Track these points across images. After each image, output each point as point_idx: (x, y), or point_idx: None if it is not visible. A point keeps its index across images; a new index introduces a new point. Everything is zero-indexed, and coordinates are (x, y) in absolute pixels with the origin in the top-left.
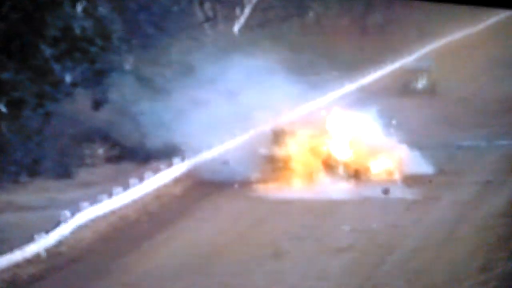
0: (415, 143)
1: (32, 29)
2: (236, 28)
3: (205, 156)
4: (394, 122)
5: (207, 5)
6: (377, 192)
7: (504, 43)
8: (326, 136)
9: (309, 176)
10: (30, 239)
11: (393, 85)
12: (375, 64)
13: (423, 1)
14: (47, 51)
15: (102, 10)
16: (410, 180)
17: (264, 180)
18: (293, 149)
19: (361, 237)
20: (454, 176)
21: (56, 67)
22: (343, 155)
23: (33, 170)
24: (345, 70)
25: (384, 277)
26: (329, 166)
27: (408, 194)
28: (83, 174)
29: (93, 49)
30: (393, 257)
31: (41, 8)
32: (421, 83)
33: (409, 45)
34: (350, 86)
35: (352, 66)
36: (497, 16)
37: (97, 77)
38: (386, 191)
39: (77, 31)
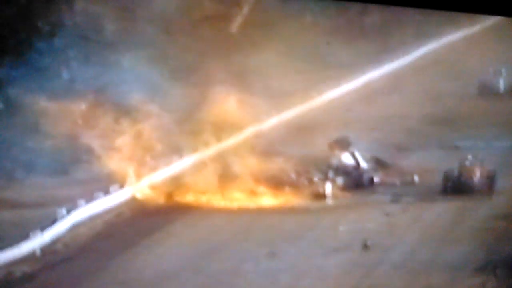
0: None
1: (27, 24)
2: (233, 27)
3: (202, 155)
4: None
5: (205, 4)
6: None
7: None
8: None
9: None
10: (25, 237)
11: (389, 85)
12: (372, 65)
13: (415, 7)
14: (43, 47)
15: (98, 7)
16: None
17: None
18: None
19: (358, 237)
20: None
21: (52, 63)
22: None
23: (29, 167)
24: (341, 69)
25: (381, 277)
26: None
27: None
28: (79, 171)
29: (88, 45)
30: (390, 256)
31: (35, 3)
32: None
33: (407, 45)
34: (346, 86)
35: (349, 66)
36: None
37: (94, 74)
38: (366, 246)
39: (72, 27)
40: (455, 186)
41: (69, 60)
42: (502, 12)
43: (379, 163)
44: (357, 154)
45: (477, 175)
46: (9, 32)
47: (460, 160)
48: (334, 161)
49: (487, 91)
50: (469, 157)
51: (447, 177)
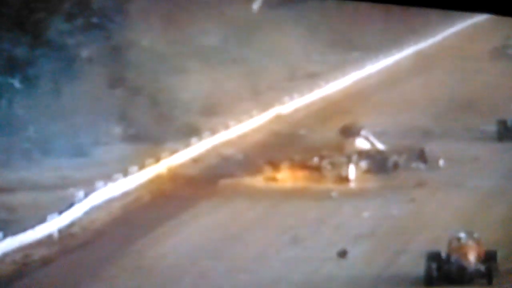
0: None
1: (47, 4)
2: (255, 7)
3: (222, 137)
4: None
5: None
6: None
7: None
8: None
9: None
10: (42, 220)
11: (414, 68)
12: (397, 45)
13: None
14: (63, 27)
15: None
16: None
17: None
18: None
19: (382, 223)
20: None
21: (72, 43)
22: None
23: (46, 148)
24: (366, 51)
25: (406, 265)
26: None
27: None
28: (98, 153)
29: (110, 25)
30: (415, 243)
31: None
32: None
33: (432, 27)
34: (371, 68)
35: (374, 48)
36: None
37: (114, 54)
38: (342, 254)
39: (94, 6)
40: (443, 272)
41: (87, 41)
42: (501, 11)
43: (422, 156)
44: (371, 138)
45: (471, 257)
46: (28, 12)
47: (449, 237)
48: (350, 147)
49: (508, 134)
50: (461, 234)
51: (431, 260)
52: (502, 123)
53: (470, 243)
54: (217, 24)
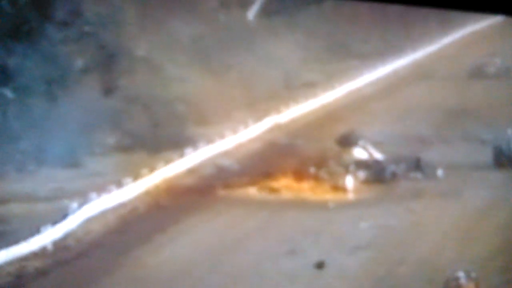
0: None
1: (40, 13)
2: (251, 14)
3: (218, 147)
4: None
5: None
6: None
7: None
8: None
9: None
10: (36, 231)
11: (413, 76)
12: (395, 53)
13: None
14: (56, 36)
15: None
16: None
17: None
18: None
19: (380, 234)
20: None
21: (65, 52)
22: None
23: (40, 159)
24: (364, 59)
25: (404, 276)
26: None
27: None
28: (92, 164)
29: (103, 34)
30: (413, 255)
31: None
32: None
33: (431, 34)
34: (368, 77)
35: (372, 55)
36: None
37: (108, 63)
38: (319, 265)
39: (88, 15)
40: None
41: (83, 50)
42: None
43: (418, 165)
44: (369, 148)
45: None
46: (21, 21)
47: (446, 278)
48: (347, 157)
49: (505, 159)
50: (460, 274)
51: None
52: (498, 149)
53: (469, 284)
54: (213, 32)
